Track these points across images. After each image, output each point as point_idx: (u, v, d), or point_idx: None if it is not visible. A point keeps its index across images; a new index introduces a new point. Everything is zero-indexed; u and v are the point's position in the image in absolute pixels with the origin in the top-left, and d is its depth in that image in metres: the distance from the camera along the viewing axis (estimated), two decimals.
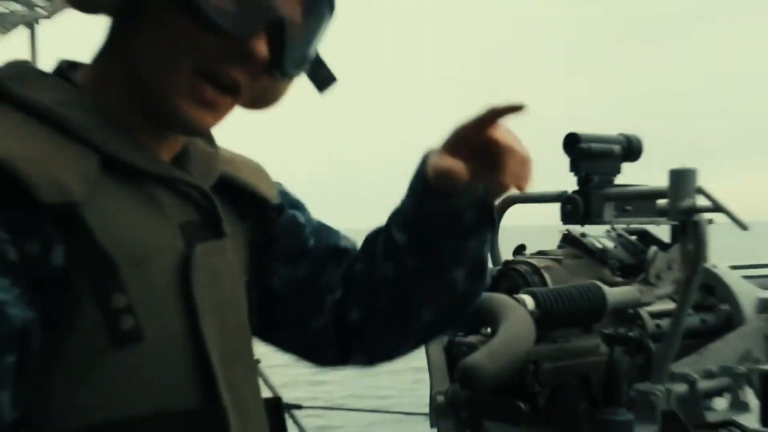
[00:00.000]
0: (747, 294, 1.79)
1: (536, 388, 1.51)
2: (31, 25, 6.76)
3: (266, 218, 1.00)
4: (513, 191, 0.89)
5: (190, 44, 0.78)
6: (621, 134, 1.83)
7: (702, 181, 1.58)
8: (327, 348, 1.05)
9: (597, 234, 1.86)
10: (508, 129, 0.87)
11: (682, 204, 1.56)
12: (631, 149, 1.82)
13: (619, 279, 1.77)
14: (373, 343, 1.04)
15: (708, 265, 1.68)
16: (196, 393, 0.79)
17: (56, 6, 6.47)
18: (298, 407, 3.85)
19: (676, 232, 1.82)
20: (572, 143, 1.76)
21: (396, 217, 0.98)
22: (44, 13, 6.59)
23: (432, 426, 1.65)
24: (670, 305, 1.70)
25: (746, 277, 1.88)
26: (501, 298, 1.43)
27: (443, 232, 0.94)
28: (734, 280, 1.81)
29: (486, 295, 1.43)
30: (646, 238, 1.91)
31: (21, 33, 6.87)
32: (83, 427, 0.71)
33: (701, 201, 1.56)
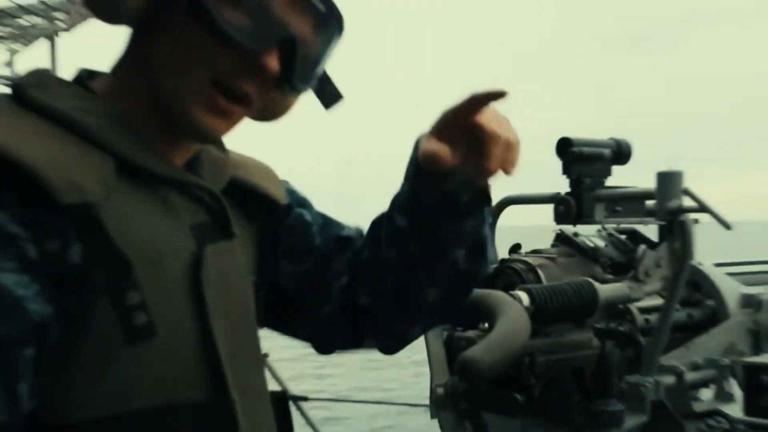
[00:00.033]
0: (731, 290, 1.78)
1: (531, 381, 1.51)
2: (51, 38, 6.77)
3: (275, 219, 1.00)
4: (501, 174, 0.86)
5: (207, 57, 0.78)
6: (611, 138, 1.83)
7: (688, 183, 1.58)
8: (338, 333, 1.05)
9: (589, 233, 1.86)
10: (496, 112, 0.86)
11: (669, 205, 1.56)
12: (621, 153, 1.82)
13: (610, 276, 1.76)
14: (383, 326, 1.03)
15: (694, 262, 1.68)
16: (206, 386, 0.79)
17: (75, 19, 6.49)
18: (305, 399, 3.85)
19: (663, 232, 1.81)
20: (565, 147, 1.76)
21: (396, 201, 0.97)
22: (63, 26, 6.60)
23: (432, 417, 1.64)
24: (658, 301, 1.70)
25: (730, 274, 1.88)
26: (498, 294, 1.43)
27: (440, 214, 0.93)
28: (719, 277, 1.81)
29: (483, 291, 1.43)
30: (636, 237, 1.90)
31: (42, 45, 6.89)
32: (98, 418, 0.71)
33: (687, 202, 1.56)
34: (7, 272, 0.66)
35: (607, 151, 1.79)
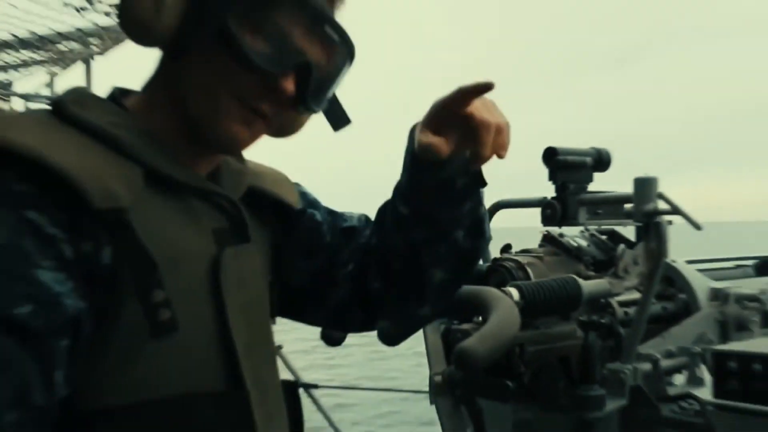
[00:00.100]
0: (701, 285, 1.78)
1: (522, 369, 1.50)
2: (86, 61, 6.80)
3: (289, 223, 1.00)
4: (495, 158, 0.85)
5: (230, 78, 0.79)
6: (592, 148, 1.82)
7: (663, 187, 1.58)
8: (351, 316, 1.04)
9: (573, 234, 1.86)
10: (484, 98, 0.84)
11: (646, 207, 1.56)
12: (601, 161, 1.81)
13: (592, 273, 1.76)
14: (394, 307, 1.02)
15: (668, 260, 1.68)
16: (223, 377, 0.79)
17: (107, 45, 6.51)
18: (316, 386, 3.84)
19: (640, 232, 1.81)
20: (550, 156, 1.75)
21: (397, 190, 0.97)
22: (98, 50, 6.63)
23: (431, 403, 1.64)
24: (636, 295, 1.69)
25: (700, 270, 1.88)
26: (490, 290, 1.42)
27: (439, 201, 0.92)
28: (690, 273, 1.80)
29: (477, 288, 1.42)
30: (615, 237, 1.90)
31: (78, 68, 6.93)
32: (126, 405, 0.71)
33: (662, 205, 1.56)
34: (46, 270, 0.66)
35: (588, 159, 1.79)
